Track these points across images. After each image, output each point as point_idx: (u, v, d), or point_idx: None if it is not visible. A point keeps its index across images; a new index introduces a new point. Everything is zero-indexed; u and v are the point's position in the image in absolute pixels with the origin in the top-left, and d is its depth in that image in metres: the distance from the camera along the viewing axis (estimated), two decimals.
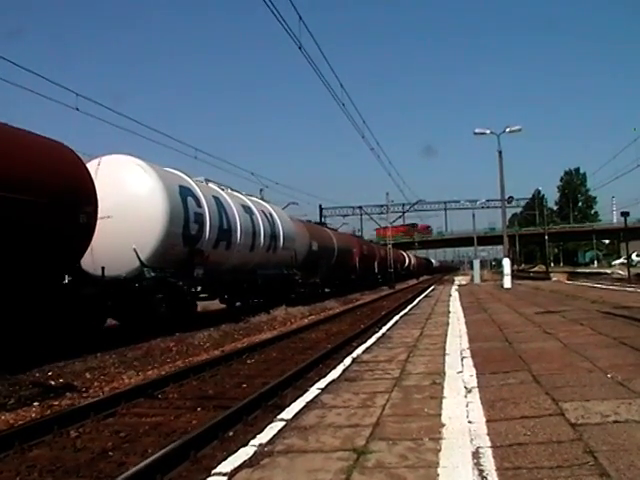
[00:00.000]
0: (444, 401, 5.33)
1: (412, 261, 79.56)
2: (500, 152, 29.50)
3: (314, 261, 25.73)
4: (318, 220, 59.05)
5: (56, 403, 7.96)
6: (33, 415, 7.31)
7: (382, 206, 68.72)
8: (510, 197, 45.29)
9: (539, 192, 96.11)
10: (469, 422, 4.62)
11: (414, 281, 67.55)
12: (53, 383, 9.08)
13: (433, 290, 32.79)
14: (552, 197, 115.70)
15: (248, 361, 11.56)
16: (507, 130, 29.41)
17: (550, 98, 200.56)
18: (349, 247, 37.16)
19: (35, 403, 7.88)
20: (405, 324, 13.03)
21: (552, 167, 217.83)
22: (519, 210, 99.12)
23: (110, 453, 5.81)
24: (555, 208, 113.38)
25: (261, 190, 29.32)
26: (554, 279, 43.10)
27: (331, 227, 40.73)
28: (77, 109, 13.65)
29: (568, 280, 39.62)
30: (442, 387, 5.91)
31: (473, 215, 56.45)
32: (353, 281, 36.56)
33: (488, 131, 29.82)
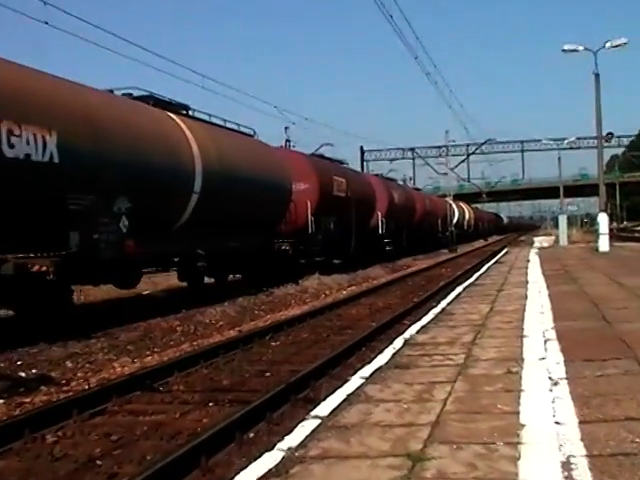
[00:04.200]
0: (522, 395, 5.32)
1: (478, 218, 79.08)
2: (597, 75, 28.61)
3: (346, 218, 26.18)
4: (360, 166, 59.46)
5: (27, 400, 7.89)
6: None
7: (440, 147, 68.24)
8: (609, 133, 43.86)
9: None
10: (556, 423, 4.58)
11: (481, 242, 67.49)
12: (24, 375, 9.02)
13: (506, 254, 32.67)
14: None
15: (272, 343, 11.76)
16: (607, 45, 28.42)
17: None
18: (407, 201, 38.06)
19: None
20: (470, 297, 13.05)
21: None
22: (620, 151, 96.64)
23: (98, 462, 5.71)
24: None
25: (286, 129, 29.10)
26: None
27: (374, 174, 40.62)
28: (46, 23, 13.72)
29: None
30: (519, 377, 5.92)
31: (559, 158, 54.94)
32: (400, 243, 36.67)
33: (581, 47, 28.85)
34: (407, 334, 8.74)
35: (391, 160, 69.61)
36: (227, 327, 13.73)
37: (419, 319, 10.45)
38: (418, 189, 53.94)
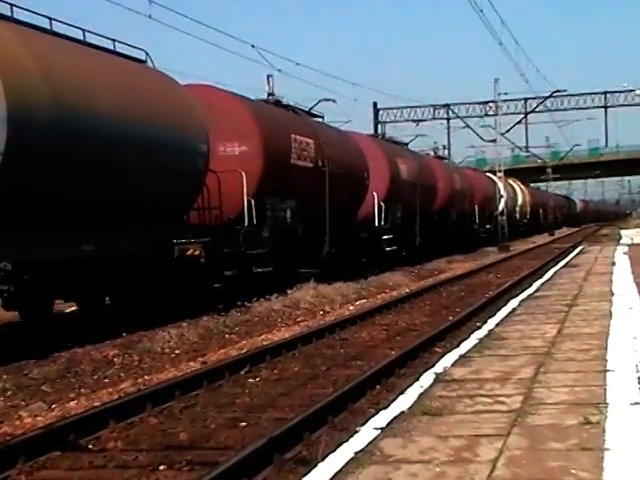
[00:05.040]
0: (608, 457, 5.28)
1: (540, 202, 79.10)
2: None
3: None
4: (373, 129, 59.10)
5: None
6: None
7: (486, 104, 68.05)
8: None
9: None
10: None
11: (544, 238, 67.44)
12: None
13: (581, 253, 32.74)
14: None
15: (250, 380, 11.85)
16: None
17: None
18: (419, 177, 36.40)
19: None
20: (530, 315, 13.08)
21: None
22: None
23: None
24: None
25: (269, 78, 28.92)
26: None
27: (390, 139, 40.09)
28: None
29: None
30: (602, 430, 5.92)
31: None
32: (429, 238, 36.63)
33: None
34: (439, 367, 8.81)
35: (416, 121, 69.30)
36: (186, 357, 13.73)
37: (456, 346, 10.56)
38: (441, 157, 52.21)
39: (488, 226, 51.31)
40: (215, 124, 19.31)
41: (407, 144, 42.86)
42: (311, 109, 28.12)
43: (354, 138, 31.43)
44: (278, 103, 25.40)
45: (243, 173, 19.84)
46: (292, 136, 23.36)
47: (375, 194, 29.98)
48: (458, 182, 45.35)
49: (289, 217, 22.93)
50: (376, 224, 30.44)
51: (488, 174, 57.30)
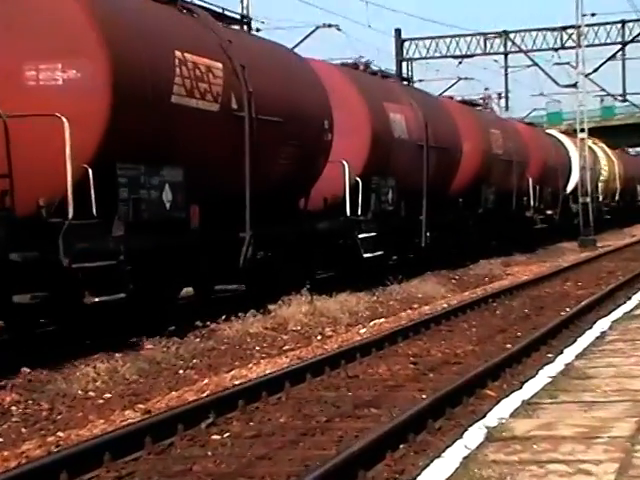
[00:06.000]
0: None
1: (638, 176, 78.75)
2: None
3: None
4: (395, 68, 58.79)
5: None
6: None
7: (564, 30, 67.52)
8: None
9: None
10: None
11: None
12: None
13: None
14: None
15: (215, 437, 11.77)
16: None
17: None
18: (441, 134, 35.64)
19: None
20: (628, 342, 13.20)
21: None
22: None
23: None
24: None
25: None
26: None
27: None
28: None
29: None
30: None
31: None
32: (444, 233, 36.42)
33: None
34: (493, 418, 8.94)
35: (458, 57, 68.76)
36: (120, 403, 13.64)
37: (518, 387, 10.81)
38: (474, 104, 46.39)
39: (550, 212, 50.42)
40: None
41: (409, 80, 41.29)
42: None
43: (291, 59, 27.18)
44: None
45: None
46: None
47: (345, 163, 27.10)
48: (498, 143, 42.95)
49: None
50: (348, 212, 27.54)
51: (551, 132, 56.67)
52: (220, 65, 21.11)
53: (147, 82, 18.63)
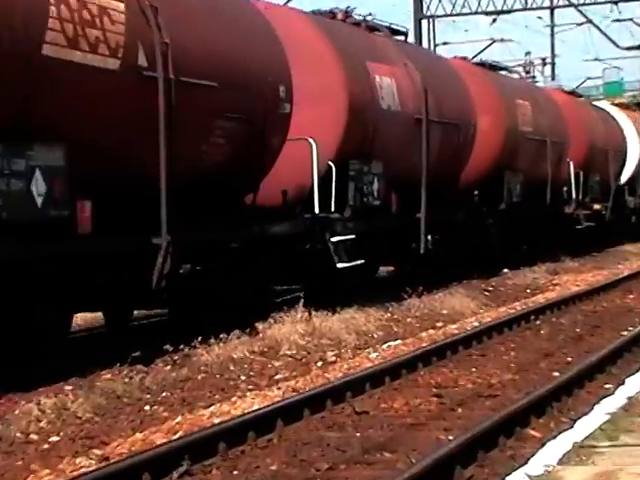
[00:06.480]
0: None
1: None
2: None
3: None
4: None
5: None
6: None
7: None
8: None
9: None
10: None
11: None
12: None
13: None
14: None
15: None
16: None
17: None
18: (449, 106, 32.33)
19: None
20: None
21: None
22: None
23: None
24: None
25: None
26: None
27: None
28: None
29: None
30: None
31: None
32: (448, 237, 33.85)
33: None
34: (538, 465, 8.92)
35: (493, 14, 65.64)
36: (71, 449, 12.46)
37: (569, 427, 10.95)
38: (499, 68, 42.45)
39: (598, 207, 46.59)
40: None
41: (405, 34, 34.84)
42: None
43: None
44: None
45: None
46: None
47: (312, 142, 23.43)
48: (527, 117, 38.83)
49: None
50: (317, 208, 24.21)
51: (601, 105, 54.53)
52: (121, 5, 16.63)
53: (3, 25, 14.22)
